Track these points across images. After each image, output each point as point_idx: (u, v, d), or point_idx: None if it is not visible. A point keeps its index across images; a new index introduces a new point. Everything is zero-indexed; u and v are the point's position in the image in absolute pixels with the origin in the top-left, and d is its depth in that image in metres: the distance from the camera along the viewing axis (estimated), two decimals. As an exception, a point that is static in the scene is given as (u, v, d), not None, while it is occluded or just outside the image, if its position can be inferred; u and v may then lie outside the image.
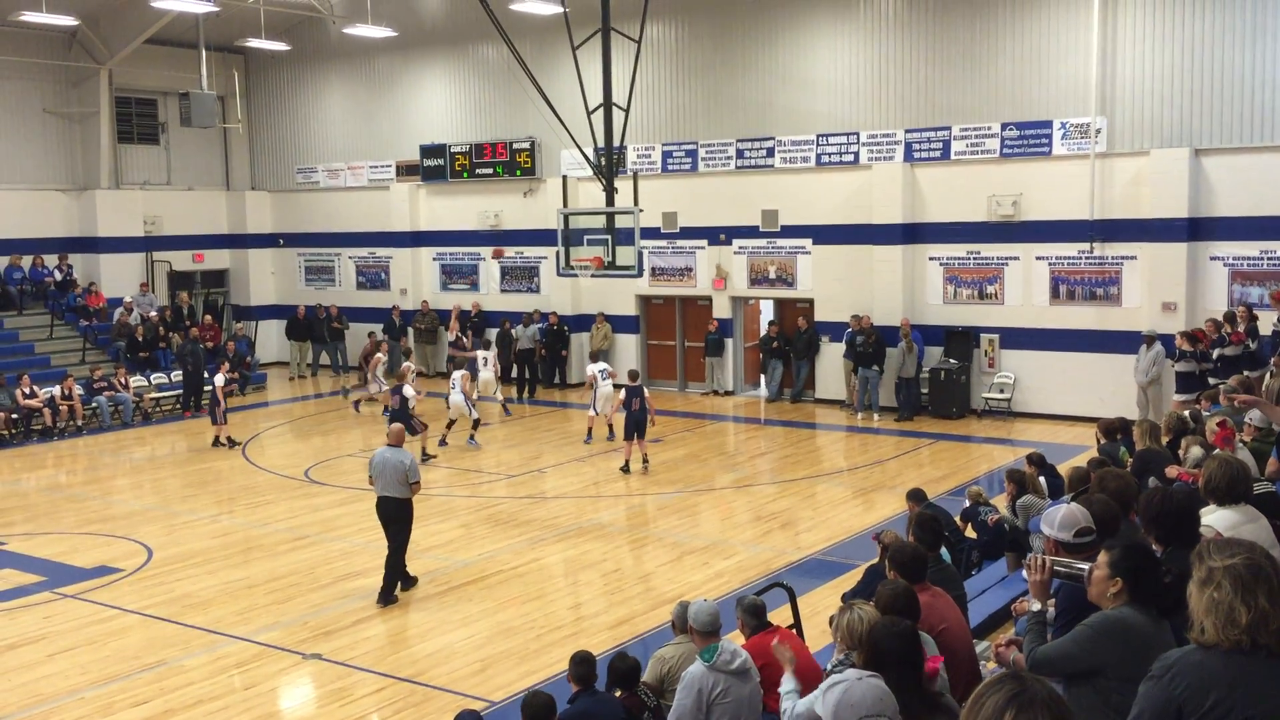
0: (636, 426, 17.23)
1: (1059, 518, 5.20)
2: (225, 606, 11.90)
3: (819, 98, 22.63)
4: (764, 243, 23.65)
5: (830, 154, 22.61)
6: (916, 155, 21.73)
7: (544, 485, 17.06)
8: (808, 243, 23.10)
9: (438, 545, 13.77)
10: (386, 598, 11.83)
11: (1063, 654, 4.28)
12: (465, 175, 27.21)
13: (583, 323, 26.05)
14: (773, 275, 23.74)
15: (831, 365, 22.92)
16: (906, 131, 21.75)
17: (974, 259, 21.45)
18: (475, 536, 14.36)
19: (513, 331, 26.07)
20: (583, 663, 7.33)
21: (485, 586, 12.36)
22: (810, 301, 23.37)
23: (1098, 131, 19.83)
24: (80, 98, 27.60)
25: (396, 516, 11.98)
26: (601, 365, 20.30)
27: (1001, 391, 21.18)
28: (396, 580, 11.98)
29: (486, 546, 13.79)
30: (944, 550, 8.91)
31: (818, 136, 22.68)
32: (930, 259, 21.87)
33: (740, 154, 23.65)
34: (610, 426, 19.82)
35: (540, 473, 17.89)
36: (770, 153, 23.28)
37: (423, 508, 15.72)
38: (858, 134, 22.27)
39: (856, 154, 22.31)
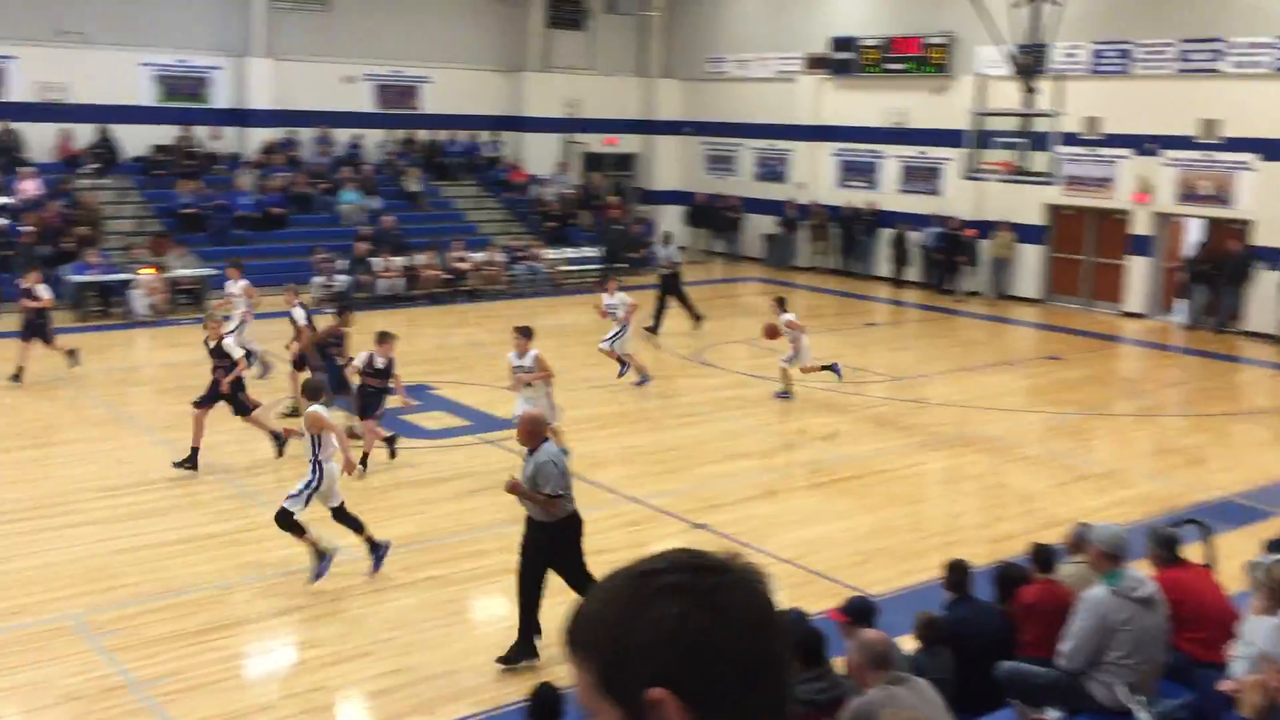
0: None
1: None
2: (622, 469, 12.75)
3: (1286, -7, 20.03)
4: (1199, 155, 21.49)
5: (1293, 58, 20.05)
6: (1403, 63, 18.82)
7: (928, 391, 16.77)
8: (1254, 158, 20.75)
9: (818, 439, 13.94)
10: None
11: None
12: (874, 70, 26.60)
13: (982, 229, 24.98)
14: (1206, 192, 21.59)
15: (1266, 296, 20.67)
16: (1394, 34, 18.86)
17: None
18: (860, 434, 14.42)
19: (908, 236, 25.55)
20: (956, 569, 7.28)
21: (866, 483, 12.45)
22: (1246, 223, 21.09)
23: None
24: (517, -17, 29.47)
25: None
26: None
27: None
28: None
29: (869, 445, 13.84)
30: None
31: (1278, 39, 20.14)
32: (1405, 184, 19.04)
33: (1183, 56, 21.47)
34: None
35: (925, 378, 17.59)
36: (1217, 55, 20.97)
37: (795, 404, 15.99)
38: (1330, 36, 19.57)
39: (1326, 59, 19.64)
